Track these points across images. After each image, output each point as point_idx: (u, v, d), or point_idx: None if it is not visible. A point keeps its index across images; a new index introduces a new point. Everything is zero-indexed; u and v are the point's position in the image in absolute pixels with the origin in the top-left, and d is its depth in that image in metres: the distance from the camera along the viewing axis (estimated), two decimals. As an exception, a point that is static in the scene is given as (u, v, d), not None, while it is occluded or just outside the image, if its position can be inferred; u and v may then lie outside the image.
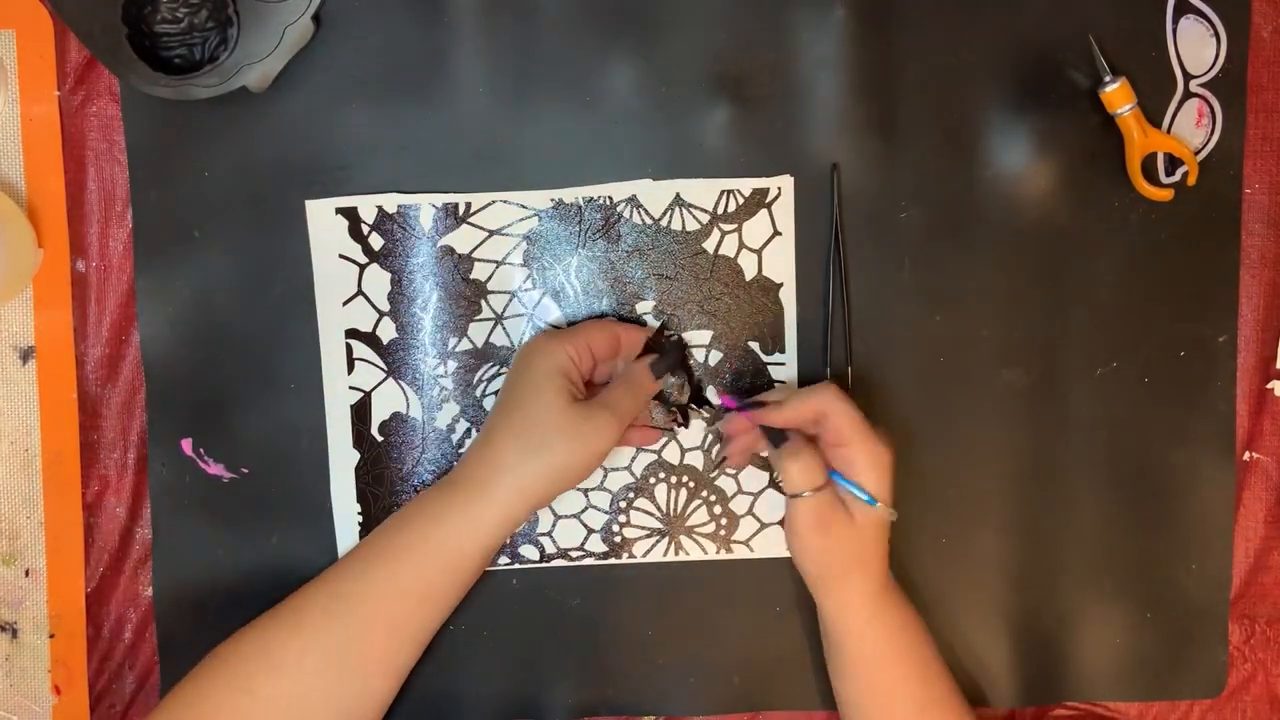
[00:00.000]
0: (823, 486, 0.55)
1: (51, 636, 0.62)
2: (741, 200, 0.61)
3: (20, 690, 0.62)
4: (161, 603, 0.62)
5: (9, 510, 0.61)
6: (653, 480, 0.63)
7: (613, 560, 0.63)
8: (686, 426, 0.62)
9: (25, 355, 0.61)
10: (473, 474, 0.56)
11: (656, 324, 0.61)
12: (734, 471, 0.62)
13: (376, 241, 0.61)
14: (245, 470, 0.62)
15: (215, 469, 0.62)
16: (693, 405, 0.62)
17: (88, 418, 0.62)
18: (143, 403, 0.61)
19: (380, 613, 0.55)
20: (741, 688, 0.63)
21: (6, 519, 0.61)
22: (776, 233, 0.61)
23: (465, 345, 0.61)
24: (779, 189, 0.61)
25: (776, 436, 0.57)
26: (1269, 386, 0.64)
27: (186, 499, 0.61)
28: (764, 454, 0.61)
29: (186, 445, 0.61)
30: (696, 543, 0.63)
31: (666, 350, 0.59)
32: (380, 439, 0.62)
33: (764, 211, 0.61)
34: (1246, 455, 0.64)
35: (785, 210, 0.61)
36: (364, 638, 0.55)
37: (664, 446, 0.62)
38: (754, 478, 0.63)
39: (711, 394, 0.62)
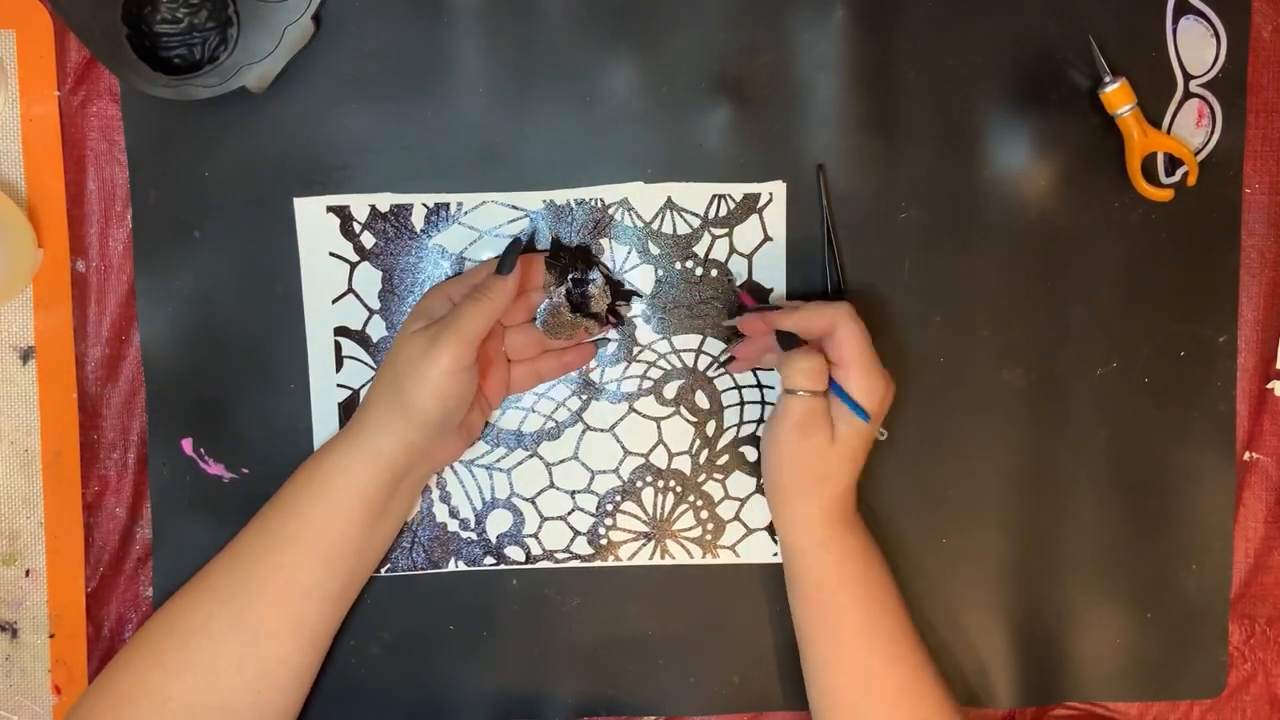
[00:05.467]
0: (819, 393, 0.56)
1: (51, 636, 0.62)
2: (733, 205, 0.61)
3: (20, 690, 0.62)
4: (162, 604, 0.61)
5: (9, 510, 0.61)
6: (639, 484, 0.63)
7: (599, 563, 0.63)
8: (623, 323, 0.61)
9: (25, 355, 0.61)
10: (353, 422, 0.57)
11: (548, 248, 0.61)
12: (734, 374, 0.62)
13: (368, 240, 0.61)
14: (245, 470, 0.62)
15: (215, 469, 0.62)
16: (620, 302, 0.61)
17: (88, 418, 0.62)
18: (143, 403, 0.61)
19: (274, 566, 0.55)
20: (741, 688, 0.63)
21: (6, 519, 0.61)
22: (767, 238, 0.61)
23: (459, 345, 0.61)
24: (770, 194, 0.61)
25: (787, 340, 0.57)
26: (1269, 386, 0.64)
27: (186, 499, 0.61)
28: (769, 364, 0.61)
29: (186, 445, 0.61)
30: (683, 547, 0.63)
31: (510, 249, 0.56)
32: None
33: (755, 216, 0.61)
34: (1246, 455, 0.64)
35: (776, 215, 0.61)
36: (264, 594, 0.55)
37: (652, 449, 0.62)
38: (741, 483, 0.63)
39: (643, 285, 0.61)
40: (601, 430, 0.62)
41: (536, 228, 0.61)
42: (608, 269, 0.61)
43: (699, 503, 0.63)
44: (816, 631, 0.58)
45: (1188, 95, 0.62)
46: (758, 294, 0.62)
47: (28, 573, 0.61)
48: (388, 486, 0.56)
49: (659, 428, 0.62)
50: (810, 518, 0.57)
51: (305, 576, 0.56)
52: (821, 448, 0.56)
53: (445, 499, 0.62)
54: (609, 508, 0.63)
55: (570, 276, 0.59)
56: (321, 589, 0.56)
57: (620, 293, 0.61)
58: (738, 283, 0.62)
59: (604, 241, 0.61)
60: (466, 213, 0.61)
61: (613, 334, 0.62)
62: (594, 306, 0.59)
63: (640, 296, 0.61)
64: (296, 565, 0.56)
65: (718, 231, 0.61)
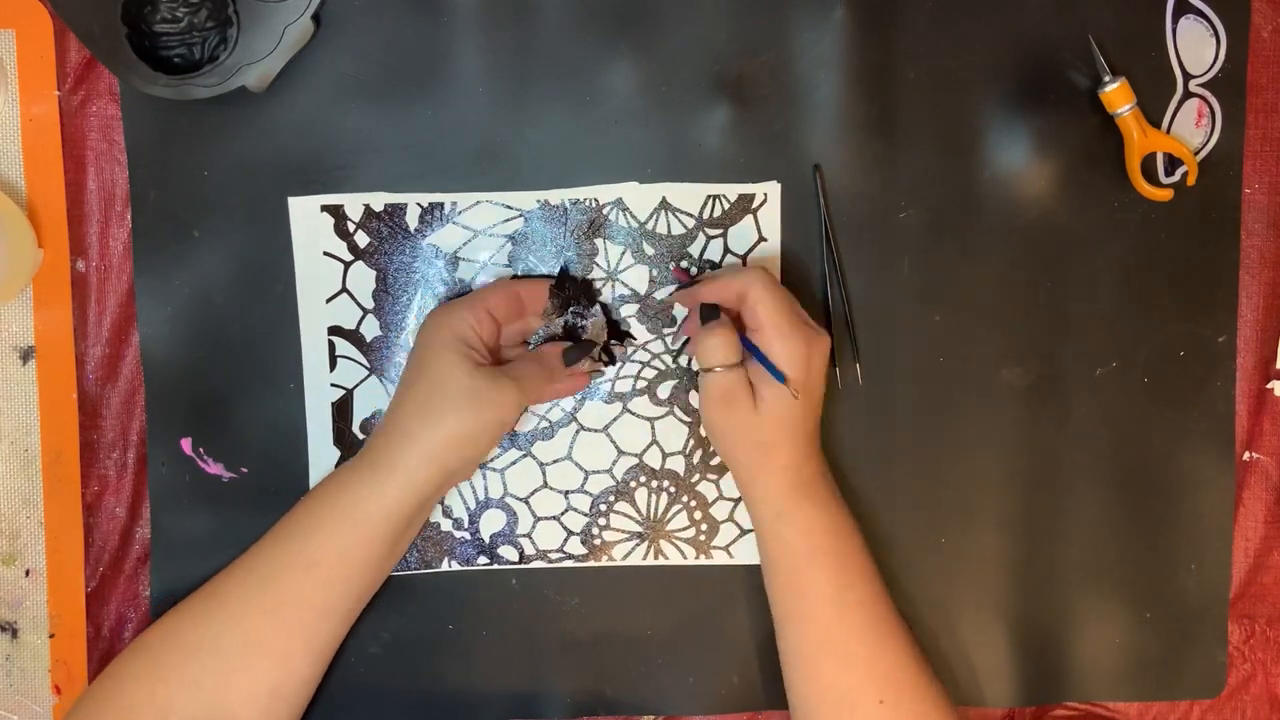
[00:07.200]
0: (733, 366, 0.56)
1: (51, 636, 0.62)
2: (727, 205, 0.61)
3: (20, 690, 0.62)
4: (161, 603, 0.62)
5: (9, 510, 0.61)
6: (633, 484, 0.62)
7: (592, 563, 0.63)
8: (614, 363, 0.61)
9: (25, 355, 0.61)
10: (379, 445, 0.56)
11: (555, 274, 0.61)
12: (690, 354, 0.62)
13: (362, 239, 0.61)
14: (245, 470, 0.62)
15: (215, 469, 0.62)
16: (613, 341, 0.61)
17: (88, 418, 0.62)
18: (142, 402, 0.61)
19: (292, 587, 0.55)
20: (741, 688, 0.63)
21: (6, 519, 0.61)
22: (762, 238, 0.61)
23: (450, 344, 0.61)
24: (765, 195, 0.61)
25: (707, 314, 0.56)
26: (1269, 386, 0.64)
27: (186, 499, 0.62)
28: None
29: (186, 445, 0.61)
30: (676, 547, 0.63)
31: (579, 349, 0.58)
32: (362, 437, 0.62)
33: (749, 217, 0.61)
34: (1246, 455, 0.64)
35: (771, 216, 0.61)
36: (279, 614, 0.55)
37: (646, 449, 0.62)
38: (735, 484, 0.63)
39: (636, 328, 0.61)
40: (595, 430, 0.62)
41: (570, 262, 0.61)
42: (608, 306, 0.61)
43: (693, 503, 0.63)
44: (788, 602, 0.58)
45: (1187, 95, 0.62)
46: (686, 273, 0.61)
47: (28, 573, 0.61)
48: (416, 509, 0.56)
49: (653, 428, 0.62)
50: (765, 490, 0.57)
51: (322, 597, 0.56)
52: (748, 418, 0.55)
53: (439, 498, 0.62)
54: (602, 508, 0.62)
55: (570, 309, 0.59)
56: (338, 607, 0.56)
57: (616, 333, 0.61)
58: (682, 263, 0.61)
59: (599, 242, 0.61)
60: (461, 212, 0.61)
61: (609, 371, 0.62)
62: (585, 337, 0.59)
63: (634, 339, 0.61)
64: (315, 587, 0.55)
65: (712, 232, 0.61)
